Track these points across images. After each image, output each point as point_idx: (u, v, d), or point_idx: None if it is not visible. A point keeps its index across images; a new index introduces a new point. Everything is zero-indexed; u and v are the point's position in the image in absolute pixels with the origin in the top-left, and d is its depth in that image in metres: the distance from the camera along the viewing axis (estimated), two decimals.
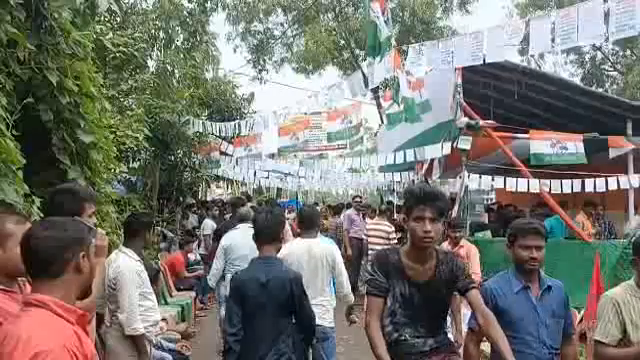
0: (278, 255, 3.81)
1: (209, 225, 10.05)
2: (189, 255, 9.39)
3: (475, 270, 6.05)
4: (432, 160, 8.69)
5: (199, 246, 10.90)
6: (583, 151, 7.51)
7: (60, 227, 1.80)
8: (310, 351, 4.10)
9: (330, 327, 4.53)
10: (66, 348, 1.63)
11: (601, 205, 9.05)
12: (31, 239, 1.76)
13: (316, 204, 17.70)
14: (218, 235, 6.77)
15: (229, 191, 23.16)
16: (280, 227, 3.75)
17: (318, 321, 4.01)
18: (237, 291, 3.42)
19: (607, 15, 5.28)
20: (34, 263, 1.76)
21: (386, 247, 9.25)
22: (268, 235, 3.60)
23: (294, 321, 3.50)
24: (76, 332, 1.73)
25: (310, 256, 4.35)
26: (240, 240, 5.34)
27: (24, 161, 3.00)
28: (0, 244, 2.13)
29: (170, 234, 10.17)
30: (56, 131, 3.68)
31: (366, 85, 8.59)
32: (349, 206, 12.10)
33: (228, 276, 5.05)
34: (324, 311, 4.44)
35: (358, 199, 12.18)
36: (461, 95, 7.67)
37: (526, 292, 2.96)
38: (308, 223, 4.58)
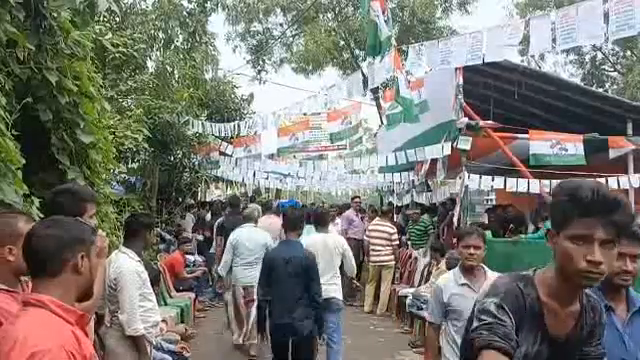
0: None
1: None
2: (187, 256, 9.37)
3: None
4: (433, 161, 8.67)
5: (200, 248, 10.90)
6: (583, 152, 7.50)
7: (61, 226, 1.79)
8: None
9: (342, 300, 5.83)
10: (64, 348, 1.61)
11: None
12: (32, 237, 1.75)
13: (313, 205, 17.83)
14: (221, 229, 7.94)
15: (228, 192, 23.15)
16: (300, 219, 5.02)
17: (335, 294, 5.56)
18: (268, 264, 4.69)
19: (607, 15, 5.28)
20: (34, 262, 1.75)
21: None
22: (293, 225, 4.88)
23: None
24: (74, 332, 1.70)
25: (324, 246, 5.59)
26: (245, 237, 6.66)
27: (23, 161, 2.99)
28: (15, 244, 2.13)
29: (168, 236, 10.14)
30: (55, 131, 3.68)
31: (365, 85, 8.58)
32: (347, 207, 12.07)
33: (234, 268, 6.64)
34: (337, 288, 5.68)
35: (357, 200, 12.16)
36: (461, 95, 7.66)
37: (609, 315, 2.17)
38: (322, 222, 5.94)
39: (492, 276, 3.49)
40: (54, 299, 1.70)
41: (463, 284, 3.61)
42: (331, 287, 5.47)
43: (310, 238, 5.60)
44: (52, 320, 1.67)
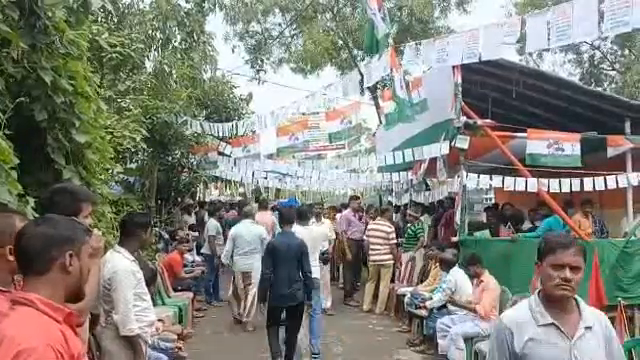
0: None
1: (213, 225, 10.09)
2: (186, 256, 9.36)
3: (484, 305, 5.97)
4: (432, 160, 8.66)
5: (198, 248, 10.87)
6: (579, 153, 7.50)
7: (51, 225, 1.78)
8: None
9: (318, 278, 6.99)
10: (51, 347, 1.59)
11: (598, 204, 9.01)
12: (22, 236, 1.76)
13: (311, 205, 17.91)
14: (230, 225, 9.24)
15: (228, 192, 23.14)
16: (294, 215, 6.45)
17: (316, 275, 6.75)
18: (271, 250, 6.03)
19: (602, 12, 5.29)
20: (22, 260, 1.75)
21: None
22: (288, 220, 6.27)
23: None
24: (62, 331, 1.69)
25: (310, 236, 6.72)
26: (244, 231, 7.99)
27: (17, 160, 2.97)
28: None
29: (166, 235, 10.13)
30: (51, 131, 3.66)
31: (362, 84, 8.58)
32: (345, 207, 12.05)
33: (235, 257, 7.96)
34: (317, 269, 6.94)
35: (357, 200, 12.12)
36: (460, 94, 7.65)
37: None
38: (303, 217, 6.96)
39: (588, 310, 2.38)
40: (42, 297, 1.69)
41: (548, 325, 2.31)
42: (314, 269, 6.60)
43: (299, 229, 6.68)
44: (39, 319, 1.66)
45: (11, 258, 2.12)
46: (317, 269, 6.91)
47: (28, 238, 1.74)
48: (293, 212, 6.61)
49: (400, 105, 7.66)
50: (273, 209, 11.75)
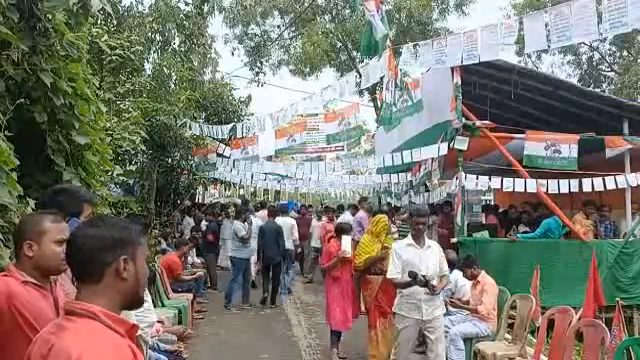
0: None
1: (239, 227, 10.06)
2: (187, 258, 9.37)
3: (486, 305, 5.96)
4: (433, 161, 8.68)
5: (198, 250, 10.90)
6: (575, 156, 7.52)
7: (106, 226, 1.61)
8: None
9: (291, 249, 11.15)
10: None
11: (607, 206, 8.90)
12: (74, 237, 1.60)
13: (310, 206, 18.16)
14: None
15: (228, 193, 23.11)
16: (276, 210, 10.69)
17: (290, 247, 10.88)
18: (262, 230, 9.96)
19: (600, 12, 5.32)
20: (74, 264, 1.60)
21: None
22: (272, 213, 10.49)
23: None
24: (132, 348, 1.54)
25: (284, 223, 10.51)
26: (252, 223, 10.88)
27: (17, 162, 2.98)
28: (36, 240, 2.19)
29: (163, 243, 10.08)
30: (51, 133, 3.67)
31: (358, 86, 8.62)
32: (347, 208, 12.02)
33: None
34: (290, 244, 10.96)
35: (365, 202, 12.09)
36: (460, 95, 7.67)
37: None
38: (279, 211, 10.70)
39: None
40: (103, 309, 1.53)
41: None
42: (287, 242, 10.32)
43: (279, 219, 10.38)
44: (107, 335, 1.49)
45: (30, 254, 2.17)
46: (290, 243, 10.76)
47: (80, 240, 1.58)
48: (276, 208, 10.89)
49: (385, 108, 7.70)
50: None
